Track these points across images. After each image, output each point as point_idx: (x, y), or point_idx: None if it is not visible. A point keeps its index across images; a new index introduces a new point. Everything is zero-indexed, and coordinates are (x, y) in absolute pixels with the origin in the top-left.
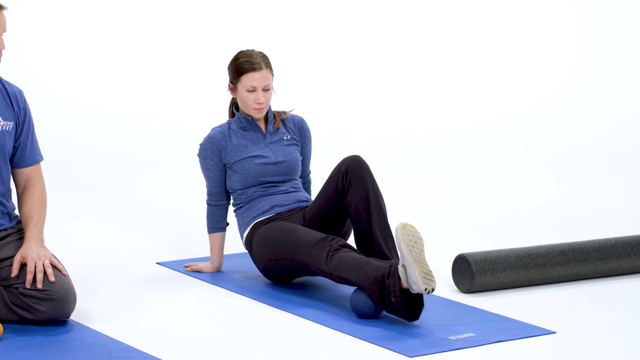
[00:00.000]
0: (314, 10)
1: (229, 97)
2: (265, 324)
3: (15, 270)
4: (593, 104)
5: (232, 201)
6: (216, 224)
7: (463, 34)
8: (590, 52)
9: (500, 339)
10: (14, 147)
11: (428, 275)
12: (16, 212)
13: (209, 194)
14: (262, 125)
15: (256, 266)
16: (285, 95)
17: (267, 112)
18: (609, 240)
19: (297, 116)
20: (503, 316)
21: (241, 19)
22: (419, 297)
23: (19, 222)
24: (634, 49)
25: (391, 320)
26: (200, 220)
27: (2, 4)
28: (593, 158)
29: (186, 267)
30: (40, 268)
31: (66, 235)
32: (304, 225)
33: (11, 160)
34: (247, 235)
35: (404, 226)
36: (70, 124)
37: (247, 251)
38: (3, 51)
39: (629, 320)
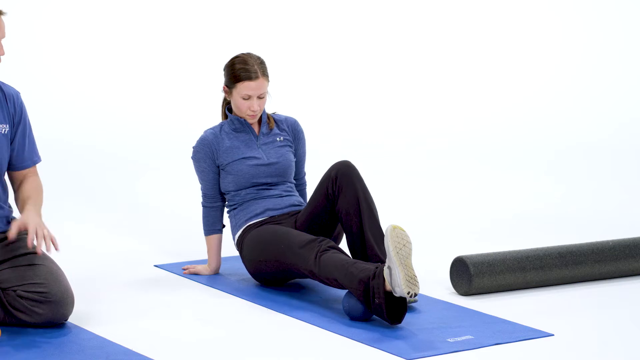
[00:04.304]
0: (308, 13)
1: (221, 97)
2: (263, 327)
3: (13, 234)
4: (592, 106)
5: (226, 202)
6: (212, 226)
7: (463, 36)
8: (591, 54)
9: (498, 342)
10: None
11: (412, 280)
12: (14, 214)
13: (204, 195)
14: (255, 126)
15: (246, 268)
16: (280, 98)
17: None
18: (607, 242)
19: (291, 118)
20: (501, 319)
21: (240, 21)
22: (403, 300)
23: None
24: (635, 52)
25: (389, 323)
26: (199, 222)
27: (1, 9)
28: (592, 161)
29: (184, 269)
30: (41, 234)
31: (64, 238)
32: (296, 229)
33: (9, 162)
34: (238, 237)
35: (395, 228)
36: (69, 127)
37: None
38: (2, 57)
39: (627, 322)
